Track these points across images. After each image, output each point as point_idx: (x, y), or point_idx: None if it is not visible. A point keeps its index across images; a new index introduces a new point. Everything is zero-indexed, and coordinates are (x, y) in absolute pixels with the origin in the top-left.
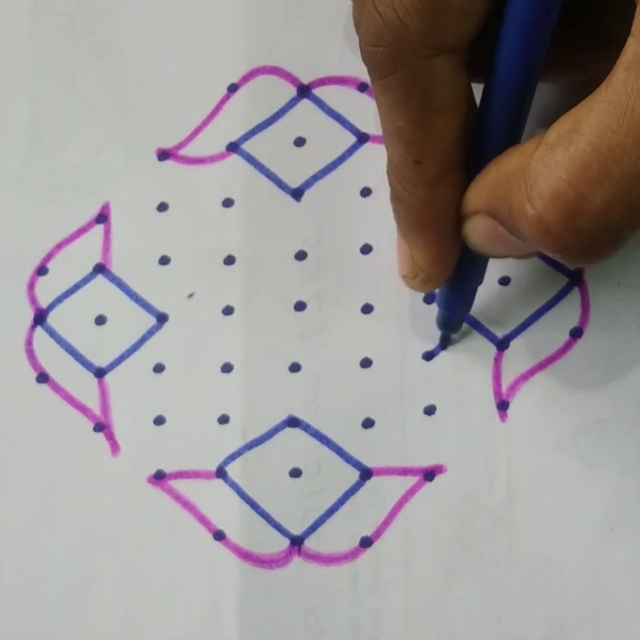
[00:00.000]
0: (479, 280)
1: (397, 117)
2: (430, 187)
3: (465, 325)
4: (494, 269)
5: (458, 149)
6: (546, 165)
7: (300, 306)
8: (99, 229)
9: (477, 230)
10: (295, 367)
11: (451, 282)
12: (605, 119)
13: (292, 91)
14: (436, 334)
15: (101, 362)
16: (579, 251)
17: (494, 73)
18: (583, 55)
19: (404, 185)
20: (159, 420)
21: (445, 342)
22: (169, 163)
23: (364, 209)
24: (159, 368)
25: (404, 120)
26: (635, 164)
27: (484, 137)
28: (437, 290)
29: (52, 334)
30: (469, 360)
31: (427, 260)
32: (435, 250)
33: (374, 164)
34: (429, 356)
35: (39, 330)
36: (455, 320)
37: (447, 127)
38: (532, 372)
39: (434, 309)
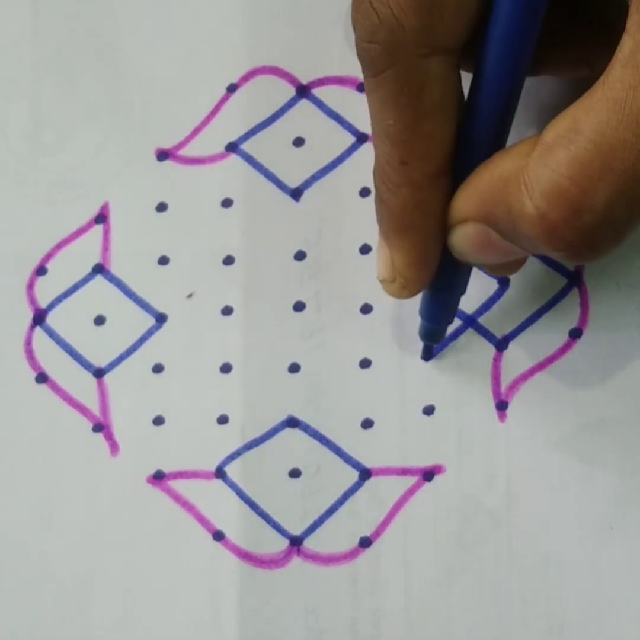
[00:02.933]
0: (462, 290)
1: (387, 115)
2: (415, 189)
3: (448, 336)
4: None
5: (446, 153)
6: (546, 165)
7: (299, 306)
8: (98, 229)
9: (466, 238)
10: (294, 368)
11: (434, 291)
12: (604, 115)
13: (291, 91)
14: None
15: (100, 362)
16: (583, 248)
17: (480, 75)
18: (587, 49)
19: (389, 187)
20: (158, 421)
21: (428, 354)
22: (168, 163)
23: (363, 209)
24: (158, 368)
25: (394, 119)
26: (637, 159)
27: (469, 141)
28: (420, 301)
29: (51, 334)
30: (468, 361)
31: (407, 265)
32: (416, 254)
33: (373, 164)
34: (428, 356)
35: (38, 330)
36: (438, 330)
37: (437, 129)
38: (531, 372)
39: None
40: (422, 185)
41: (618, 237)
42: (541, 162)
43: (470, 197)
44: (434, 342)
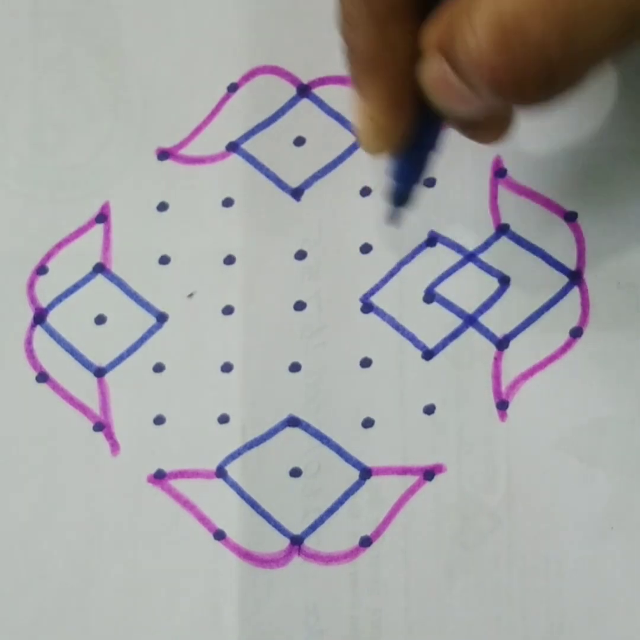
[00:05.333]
0: (433, 147)
1: None
2: (379, 24)
3: (449, 334)
4: (494, 269)
5: None
6: None
7: (300, 306)
8: (98, 228)
9: (429, 73)
10: (295, 367)
11: (404, 148)
12: None
13: (292, 91)
14: (436, 334)
15: (101, 361)
16: (510, 82)
17: None
18: None
19: (353, 26)
20: (159, 420)
21: (394, 218)
22: (169, 163)
23: (363, 208)
24: (158, 368)
25: None
26: (582, 1)
27: None
28: (389, 162)
29: (52, 333)
30: (469, 360)
31: (379, 109)
32: (387, 97)
33: (373, 163)
34: (428, 355)
35: (38, 329)
36: (405, 192)
37: None
38: (532, 371)
39: (434, 308)
40: (386, 19)
41: (550, 79)
42: None
43: (434, 25)
44: (401, 204)
